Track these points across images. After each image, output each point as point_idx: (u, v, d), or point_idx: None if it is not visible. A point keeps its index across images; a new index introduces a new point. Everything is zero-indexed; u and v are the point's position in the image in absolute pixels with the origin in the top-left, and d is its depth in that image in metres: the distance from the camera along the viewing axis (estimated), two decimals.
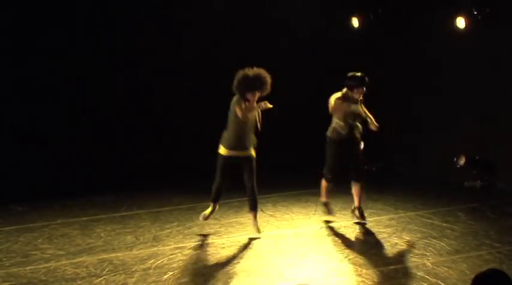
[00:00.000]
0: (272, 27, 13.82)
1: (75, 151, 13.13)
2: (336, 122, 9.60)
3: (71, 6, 12.99)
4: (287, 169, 12.82)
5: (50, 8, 12.80)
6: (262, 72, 8.92)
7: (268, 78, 8.91)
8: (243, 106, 8.78)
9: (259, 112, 9.08)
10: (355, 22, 14.01)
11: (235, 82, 8.91)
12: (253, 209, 9.29)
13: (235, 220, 10.06)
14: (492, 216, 10.05)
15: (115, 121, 13.46)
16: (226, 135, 9.06)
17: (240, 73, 8.90)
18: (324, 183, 9.91)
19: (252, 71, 8.89)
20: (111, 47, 13.36)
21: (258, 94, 8.89)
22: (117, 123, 13.46)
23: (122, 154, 13.38)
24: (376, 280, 7.21)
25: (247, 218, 10.15)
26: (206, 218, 9.46)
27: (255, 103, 8.88)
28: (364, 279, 7.27)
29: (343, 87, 9.61)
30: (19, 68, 12.75)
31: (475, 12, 11.65)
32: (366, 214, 9.94)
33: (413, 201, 11.05)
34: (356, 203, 9.82)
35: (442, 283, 7.03)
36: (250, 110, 8.85)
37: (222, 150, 9.06)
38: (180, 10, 13.37)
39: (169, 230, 9.61)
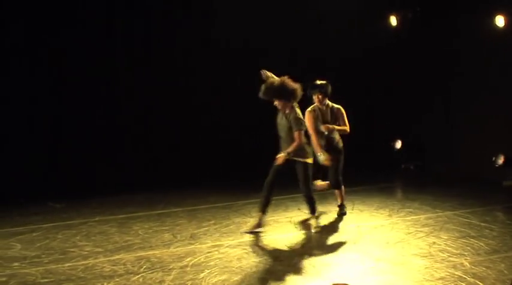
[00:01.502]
0: (308, 24, 13.81)
1: (112, 149, 13.24)
2: None
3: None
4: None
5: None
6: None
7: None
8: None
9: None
10: (393, 20, 13.95)
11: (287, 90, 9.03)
12: None
13: (272, 218, 10.03)
14: None
15: (151, 119, 13.54)
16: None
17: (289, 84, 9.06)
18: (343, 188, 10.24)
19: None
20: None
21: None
22: (154, 121, 13.54)
23: (159, 152, 13.47)
24: (412, 279, 7.16)
25: (284, 217, 10.16)
26: None
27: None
28: (400, 279, 7.23)
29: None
30: (60, 68, 12.88)
31: None
32: (403, 213, 10.00)
33: (451, 200, 10.99)
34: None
35: (480, 283, 6.97)
36: None
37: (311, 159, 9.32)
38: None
39: (206, 228, 9.64)
